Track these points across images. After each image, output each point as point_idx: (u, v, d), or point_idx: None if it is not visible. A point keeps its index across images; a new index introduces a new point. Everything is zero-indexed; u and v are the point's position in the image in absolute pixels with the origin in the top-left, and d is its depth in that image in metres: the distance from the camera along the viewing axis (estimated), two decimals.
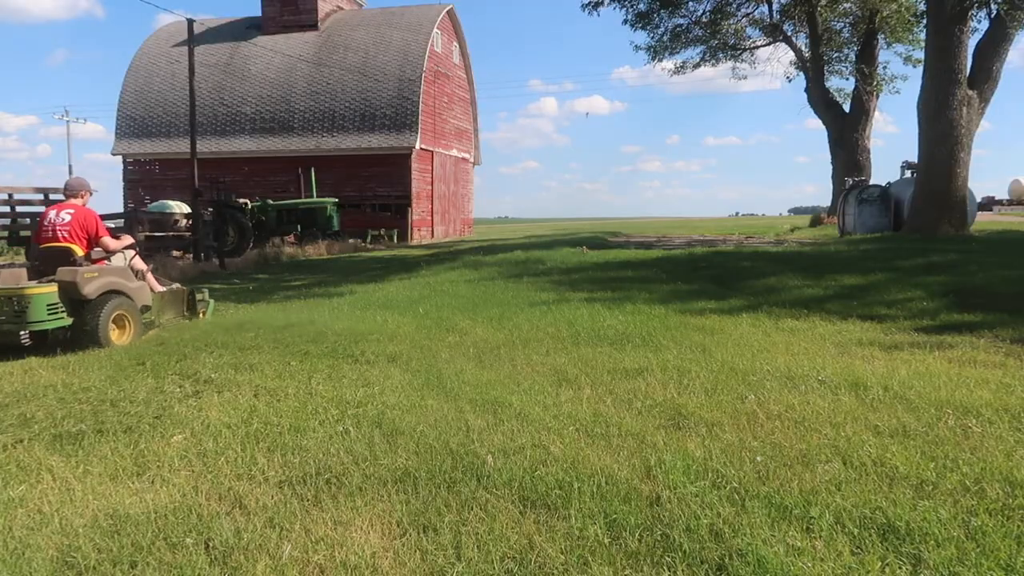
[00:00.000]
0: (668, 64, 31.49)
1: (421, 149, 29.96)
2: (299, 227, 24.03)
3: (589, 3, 25.88)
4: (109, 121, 34.66)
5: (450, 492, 2.91)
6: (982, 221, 23.50)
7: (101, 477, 3.21)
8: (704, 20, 28.70)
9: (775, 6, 28.67)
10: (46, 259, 6.95)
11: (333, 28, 32.34)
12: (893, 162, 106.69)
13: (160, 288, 7.76)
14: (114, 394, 4.58)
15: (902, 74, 46.57)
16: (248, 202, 23.19)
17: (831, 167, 28.65)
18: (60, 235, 7.08)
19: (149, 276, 7.69)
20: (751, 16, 29.73)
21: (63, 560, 2.46)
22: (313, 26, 32.11)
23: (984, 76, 16.55)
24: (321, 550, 2.49)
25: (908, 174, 20.39)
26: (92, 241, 7.21)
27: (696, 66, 31.17)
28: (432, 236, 31.62)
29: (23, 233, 17.30)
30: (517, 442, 3.46)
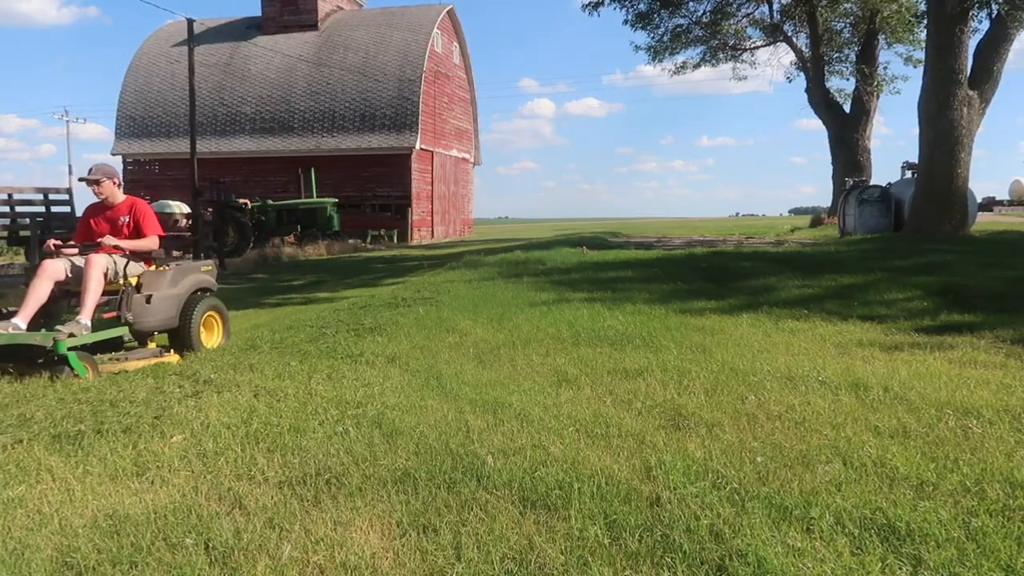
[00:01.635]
0: (668, 64, 31.45)
1: (421, 149, 29.96)
2: (299, 227, 24.04)
3: (589, 3, 25.90)
4: (109, 121, 34.69)
5: (450, 492, 2.90)
6: (983, 221, 23.50)
7: (101, 477, 3.21)
8: (704, 20, 28.70)
9: (775, 6, 28.69)
10: None
11: (333, 28, 32.34)
12: (887, 163, 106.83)
13: None
14: (113, 394, 4.58)
15: (902, 74, 46.64)
16: (248, 202, 23.20)
17: (831, 167, 28.65)
18: None
19: None
20: (751, 16, 29.73)
21: (62, 560, 2.46)
22: (313, 26, 32.12)
23: (985, 76, 16.55)
24: (321, 550, 2.49)
25: (908, 174, 20.39)
26: None
27: (696, 66, 31.16)
28: (432, 236, 31.62)
29: (23, 233, 17.31)
30: (517, 443, 3.45)
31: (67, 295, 5.93)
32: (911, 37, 27.22)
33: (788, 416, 3.82)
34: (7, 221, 17.87)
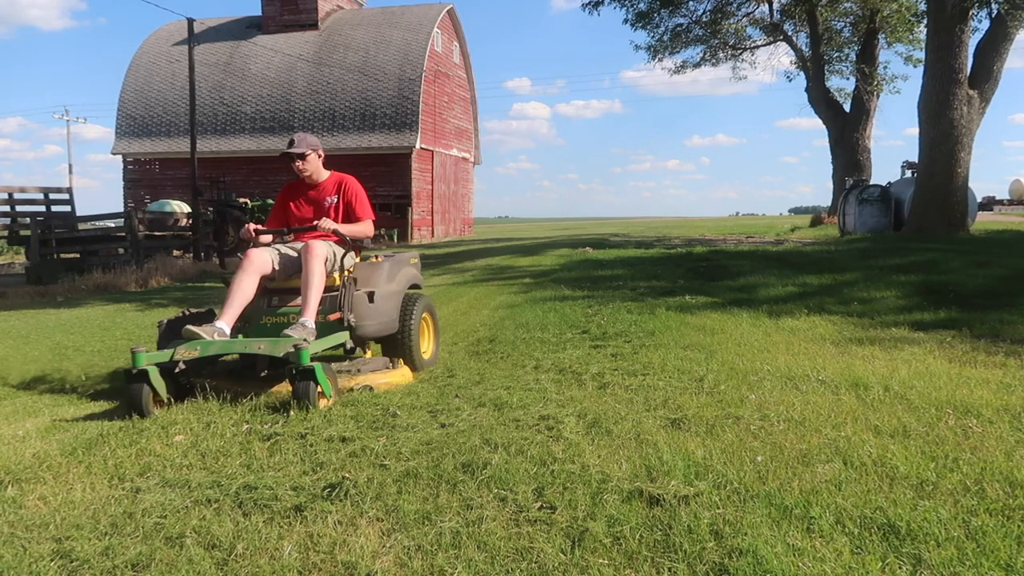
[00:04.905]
0: (668, 64, 31.54)
1: (421, 149, 29.97)
2: None
3: (589, 3, 25.95)
4: (110, 120, 34.71)
5: (451, 492, 2.91)
6: (983, 221, 23.51)
7: (101, 476, 3.21)
8: (704, 20, 28.74)
9: (775, 6, 28.74)
10: None
11: (333, 27, 32.34)
12: (880, 163, 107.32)
13: None
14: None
15: (902, 74, 46.68)
16: (248, 201, 23.21)
17: (831, 167, 28.68)
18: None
19: None
20: (751, 16, 29.77)
21: (63, 559, 2.46)
22: (313, 25, 32.13)
23: (985, 76, 16.57)
24: (321, 550, 2.49)
25: (908, 174, 20.40)
26: None
27: (696, 66, 31.23)
28: (432, 236, 31.62)
29: (23, 233, 17.32)
30: (517, 442, 3.45)
31: (266, 292, 4.93)
32: (911, 37, 27.26)
33: (788, 415, 3.82)
34: (7, 221, 17.89)
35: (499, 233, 42.76)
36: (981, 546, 2.37)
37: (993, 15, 16.41)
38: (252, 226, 5.03)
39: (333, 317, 4.69)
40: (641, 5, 26.95)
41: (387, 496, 2.88)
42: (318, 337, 4.52)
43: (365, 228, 5.19)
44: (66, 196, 19.04)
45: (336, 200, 5.22)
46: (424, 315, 5.41)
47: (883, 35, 27.96)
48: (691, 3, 27.92)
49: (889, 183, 20.66)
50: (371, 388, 4.47)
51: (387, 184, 29.49)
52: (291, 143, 5.20)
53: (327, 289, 4.78)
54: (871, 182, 22.35)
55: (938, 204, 16.59)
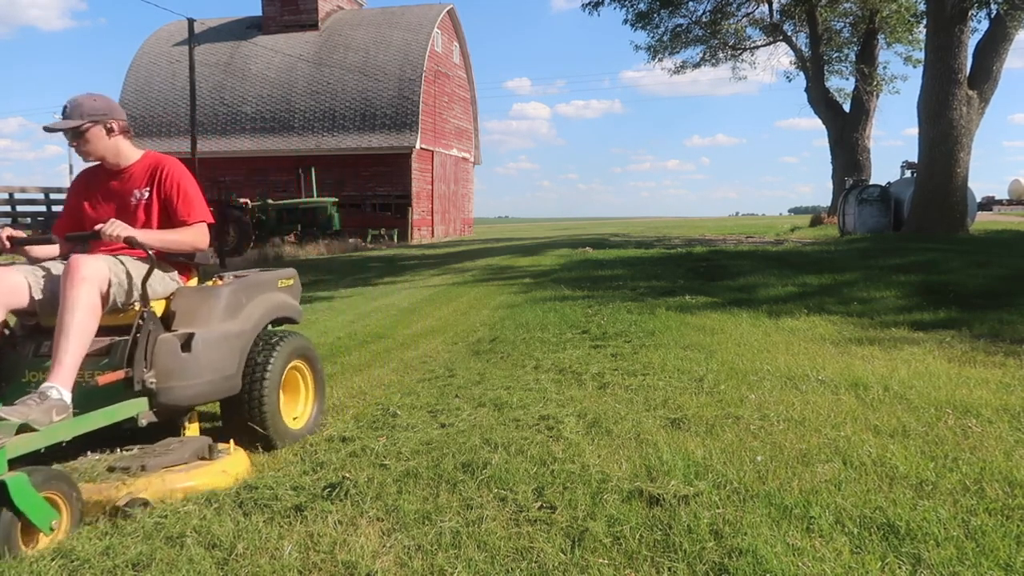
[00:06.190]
0: (668, 64, 31.63)
1: (421, 149, 29.97)
2: (299, 226, 24.07)
3: (589, 3, 26.00)
4: None
5: (451, 492, 2.91)
6: (982, 221, 23.52)
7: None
8: (704, 20, 28.79)
9: (775, 6, 28.78)
10: None
11: (333, 28, 32.35)
12: (879, 163, 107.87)
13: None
14: None
15: (902, 74, 46.73)
16: (248, 201, 23.21)
17: (831, 167, 28.71)
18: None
19: None
20: (751, 16, 29.82)
21: (63, 559, 2.46)
22: (313, 26, 32.14)
23: (984, 76, 16.59)
24: (322, 549, 2.49)
25: (908, 174, 20.42)
26: None
27: (696, 66, 31.28)
28: (432, 236, 31.63)
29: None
30: (517, 442, 3.46)
31: (34, 332, 3.19)
32: (910, 37, 27.32)
33: (788, 415, 3.83)
34: (8, 220, 17.92)
35: (499, 233, 42.78)
36: (980, 546, 2.38)
37: (992, 15, 16.43)
38: (7, 232, 3.28)
39: (104, 380, 2.88)
40: (641, 5, 27.04)
41: (387, 496, 2.88)
42: (88, 410, 2.80)
43: (191, 237, 3.46)
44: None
45: (148, 194, 3.48)
46: (295, 364, 3.72)
47: (883, 35, 28.01)
48: (691, 3, 28.02)
49: (889, 183, 20.68)
50: (147, 503, 2.75)
51: (387, 184, 29.50)
52: (63, 109, 3.40)
53: (118, 330, 3.10)
54: (871, 182, 22.38)
55: (938, 204, 16.61)
